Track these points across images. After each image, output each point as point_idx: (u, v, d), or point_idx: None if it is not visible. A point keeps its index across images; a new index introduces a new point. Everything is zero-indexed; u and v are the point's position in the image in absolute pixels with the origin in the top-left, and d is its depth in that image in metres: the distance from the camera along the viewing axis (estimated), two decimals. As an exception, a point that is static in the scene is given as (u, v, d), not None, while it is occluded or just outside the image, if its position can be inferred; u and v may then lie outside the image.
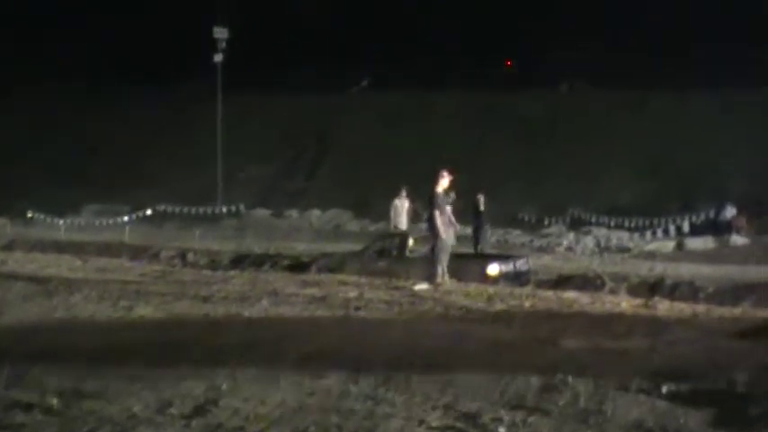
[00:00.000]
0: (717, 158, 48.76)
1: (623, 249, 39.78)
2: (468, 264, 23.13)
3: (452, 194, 28.03)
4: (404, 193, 29.36)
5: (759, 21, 49.78)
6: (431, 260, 20.84)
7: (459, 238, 23.81)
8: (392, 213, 29.25)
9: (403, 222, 28.74)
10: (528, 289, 19.75)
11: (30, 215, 53.70)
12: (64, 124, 67.19)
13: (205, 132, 60.30)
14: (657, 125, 53.59)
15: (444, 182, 21.04)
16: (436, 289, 18.99)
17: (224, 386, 8.63)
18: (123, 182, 59.46)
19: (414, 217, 29.47)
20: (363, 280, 21.15)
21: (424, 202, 23.32)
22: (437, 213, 20.56)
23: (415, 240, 24.94)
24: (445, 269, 20.54)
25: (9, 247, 31.92)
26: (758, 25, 49.59)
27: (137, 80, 66.07)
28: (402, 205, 29.13)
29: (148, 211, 53.12)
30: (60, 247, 31.56)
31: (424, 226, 25.55)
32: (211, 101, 60.15)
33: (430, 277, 20.22)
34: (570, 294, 17.46)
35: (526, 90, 57.64)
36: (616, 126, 54.42)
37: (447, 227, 21.13)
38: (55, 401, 7.84)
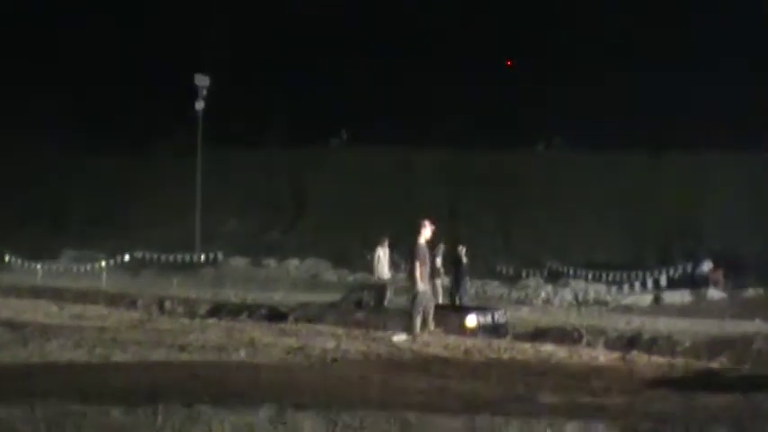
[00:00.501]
0: (693, 214, 49.15)
1: (601, 302, 39.70)
2: (446, 315, 23.11)
3: (441, 246, 28.26)
4: (386, 243, 29.44)
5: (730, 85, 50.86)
6: (409, 312, 20.80)
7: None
8: (375, 263, 29.28)
9: (386, 272, 28.79)
10: (505, 341, 19.77)
11: (6, 259, 53.45)
12: (42, 170, 67.13)
13: (183, 184, 60.26)
14: (634, 181, 54.02)
15: (426, 232, 21.10)
16: (414, 340, 18.97)
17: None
18: (101, 229, 59.45)
19: (394, 267, 29.52)
20: (341, 331, 21.14)
21: (403, 254, 23.38)
22: (417, 264, 20.59)
23: (395, 291, 24.96)
24: (429, 320, 20.55)
25: (-16, 292, 31.79)
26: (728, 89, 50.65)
27: (115, 130, 66.17)
28: (385, 254, 29.20)
29: (126, 257, 52.88)
30: (37, 293, 31.44)
31: (402, 276, 25.67)
32: (190, 154, 60.16)
33: (407, 328, 20.20)
34: (548, 347, 17.50)
35: (504, 148, 57.87)
36: (593, 182, 54.70)
37: (427, 279, 21.20)
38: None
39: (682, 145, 52.35)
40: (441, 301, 29.01)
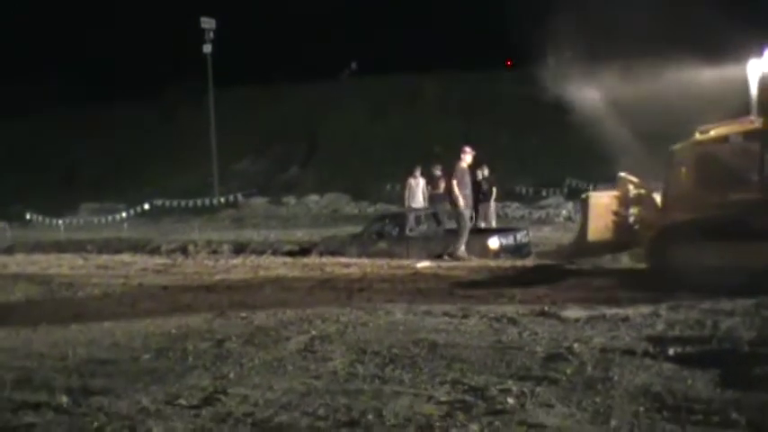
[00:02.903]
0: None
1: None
2: (469, 238, 23.13)
3: (485, 168, 28.33)
4: (418, 173, 29.46)
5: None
6: (456, 234, 21.36)
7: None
8: (407, 193, 29.33)
9: (418, 201, 28.80)
10: (529, 261, 19.76)
11: (28, 217, 53.57)
12: (56, 126, 67.15)
13: (195, 129, 60.18)
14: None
15: (468, 158, 21.28)
16: (463, 260, 19.32)
17: (231, 375, 8.65)
18: (118, 181, 59.56)
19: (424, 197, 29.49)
20: (365, 261, 21.19)
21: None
22: (454, 185, 20.82)
23: (418, 219, 24.95)
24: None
25: (10, 250, 31.82)
26: None
27: (126, 81, 66.06)
28: (417, 184, 29.23)
29: (146, 206, 52.93)
30: (61, 247, 31.47)
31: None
32: (200, 99, 60.03)
33: (452, 252, 20.47)
34: (571, 265, 17.45)
35: (514, 71, 57.38)
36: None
37: (471, 202, 21.46)
38: (64, 400, 7.85)
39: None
40: (493, 224, 29.08)
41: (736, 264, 13.57)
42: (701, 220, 14.45)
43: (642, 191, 16.34)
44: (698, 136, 15.41)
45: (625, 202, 16.56)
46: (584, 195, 17.76)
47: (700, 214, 14.53)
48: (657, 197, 15.97)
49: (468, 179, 21.58)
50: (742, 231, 13.72)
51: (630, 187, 16.58)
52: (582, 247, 17.43)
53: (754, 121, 14.71)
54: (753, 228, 13.68)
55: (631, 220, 16.36)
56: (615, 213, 16.55)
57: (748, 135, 14.68)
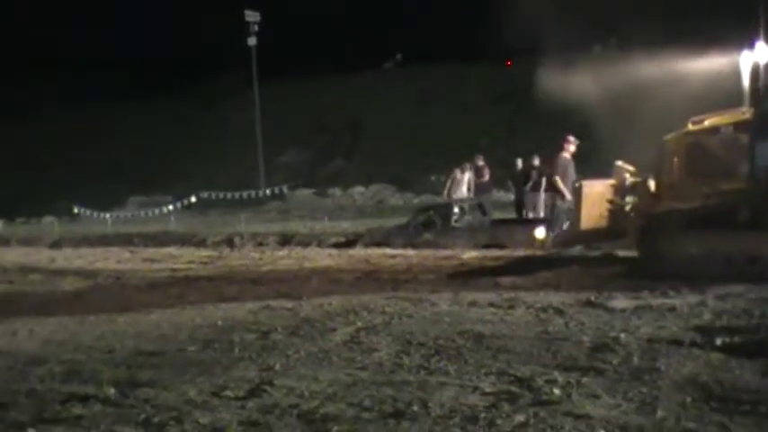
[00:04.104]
0: None
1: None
2: (515, 229, 23.09)
3: (535, 158, 28.30)
4: (468, 166, 29.41)
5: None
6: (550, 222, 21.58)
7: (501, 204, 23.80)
8: (449, 183, 29.29)
9: (461, 193, 28.75)
10: (575, 251, 19.68)
11: (75, 211, 53.96)
12: (101, 121, 67.61)
13: (240, 122, 60.38)
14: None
15: (571, 147, 21.14)
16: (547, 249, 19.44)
17: (277, 366, 8.67)
18: (164, 174, 59.90)
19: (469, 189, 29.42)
20: (411, 252, 21.20)
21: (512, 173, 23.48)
22: (557, 179, 20.78)
23: (464, 210, 24.91)
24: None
25: (57, 244, 32.11)
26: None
27: (170, 74, 66.32)
28: (462, 178, 29.18)
29: (192, 199, 53.15)
30: (107, 241, 31.71)
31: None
32: (244, 91, 60.23)
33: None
34: (619, 252, 17.37)
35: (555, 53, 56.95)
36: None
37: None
38: (111, 392, 7.89)
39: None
40: (541, 214, 29.01)
41: (723, 253, 13.65)
42: (690, 209, 14.52)
43: (638, 179, 16.44)
44: (690, 126, 15.49)
45: (621, 190, 16.66)
46: (577, 184, 17.85)
47: (690, 204, 14.59)
48: (653, 186, 16.06)
49: (572, 170, 21.31)
50: (730, 221, 13.78)
51: (627, 176, 16.67)
52: (575, 234, 17.54)
53: (746, 112, 14.78)
54: (740, 218, 13.75)
55: (628, 208, 16.45)
56: (611, 202, 16.65)
57: (739, 126, 14.76)
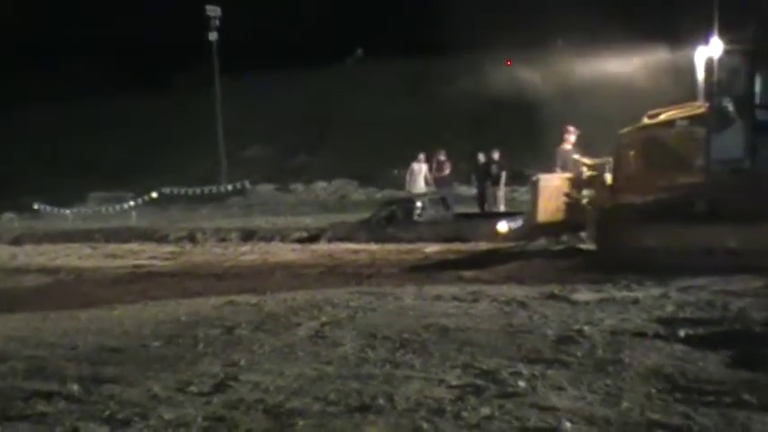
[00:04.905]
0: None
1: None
2: (477, 223, 23.15)
3: (495, 152, 28.32)
4: (422, 157, 29.58)
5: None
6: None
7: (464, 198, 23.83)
8: (408, 177, 29.44)
9: (419, 186, 28.85)
10: (538, 244, 19.74)
11: (36, 207, 53.58)
12: (61, 117, 67.24)
13: (204, 117, 60.19)
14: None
15: (571, 138, 21.07)
16: None
17: (242, 362, 8.64)
18: (127, 169, 59.60)
19: (427, 181, 29.54)
20: (374, 247, 21.23)
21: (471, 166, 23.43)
22: (558, 169, 20.75)
23: (427, 204, 24.95)
24: None
25: (18, 240, 31.86)
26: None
27: (130, 68, 66.05)
28: (420, 170, 29.31)
29: (153, 194, 52.89)
30: (69, 237, 31.48)
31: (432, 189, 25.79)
32: (206, 86, 60.10)
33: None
34: (581, 246, 17.45)
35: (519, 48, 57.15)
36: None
37: None
38: (75, 388, 7.85)
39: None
40: (501, 208, 28.99)
41: (678, 246, 13.82)
42: (645, 202, 14.69)
43: (595, 173, 16.58)
44: (646, 120, 15.67)
45: (578, 183, 16.78)
46: (534, 177, 17.95)
47: (646, 197, 14.75)
48: (609, 179, 16.22)
49: (569, 161, 21.25)
50: (686, 214, 13.96)
51: (584, 169, 16.80)
52: (532, 227, 17.65)
53: (701, 106, 14.97)
54: (697, 210, 13.93)
55: (584, 201, 16.58)
56: (567, 195, 16.76)
57: (694, 120, 14.96)
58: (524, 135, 50.22)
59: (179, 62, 65.10)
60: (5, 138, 66.30)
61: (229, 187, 56.53)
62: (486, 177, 30.00)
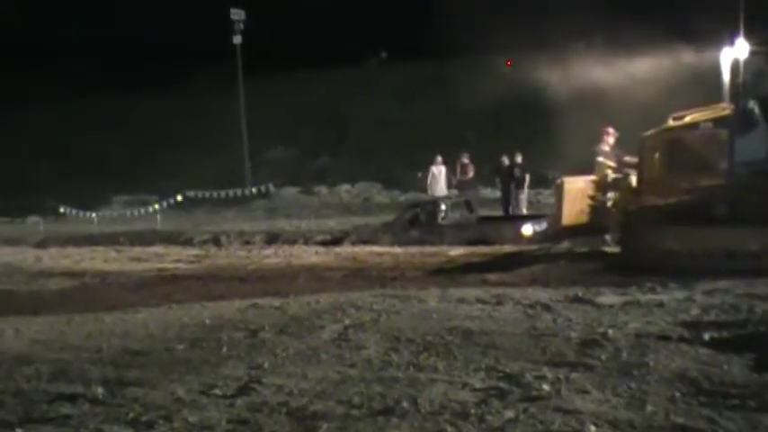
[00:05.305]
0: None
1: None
2: (501, 226, 23.13)
3: (518, 155, 28.28)
4: (440, 160, 29.64)
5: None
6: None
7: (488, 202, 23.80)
8: (429, 181, 29.48)
9: (441, 189, 28.88)
10: (562, 247, 19.69)
11: (61, 211, 53.72)
12: (84, 117, 67.37)
13: (226, 120, 60.25)
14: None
15: (610, 140, 20.94)
16: None
17: (266, 364, 8.66)
18: (150, 171, 59.64)
19: (448, 184, 29.59)
20: (397, 250, 21.21)
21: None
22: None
23: (450, 207, 24.92)
24: None
25: (43, 243, 31.97)
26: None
27: (154, 68, 66.14)
28: (439, 172, 29.35)
29: (178, 197, 52.93)
30: (94, 240, 31.58)
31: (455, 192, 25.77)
32: (228, 88, 60.15)
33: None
34: (605, 248, 17.40)
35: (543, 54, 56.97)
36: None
37: None
38: (99, 391, 7.87)
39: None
40: (524, 211, 28.96)
41: (702, 248, 13.76)
42: (670, 204, 14.62)
43: (620, 175, 16.53)
44: (670, 122, 15.60)
45: (602, 186, 16.71)
46: (558, 180, 17.89)
47: (670, 199, 14.69)
48: (634, 182, 16.16)
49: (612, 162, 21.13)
50: (710, 217, 13.88)
51: (609, 172, 16.74)
52: (556, 231, 17.60)
53: (726, 108, 14.89)
54: (720, 213, 13.85)
55: (609, 204, 16.52)
56: (592, 198, 16.71)
57: (719, 122, 14.88)
58: (546, 137, 50.18)
59: (200, 64, 65.09)
60: (28, 137, 66.51)
61: (254, 190, 56.55)
62: (509, 180, 30.00)
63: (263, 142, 59.76)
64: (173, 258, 23.07)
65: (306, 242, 26.01)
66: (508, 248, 20.03)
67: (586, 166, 19.73)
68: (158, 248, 26.94)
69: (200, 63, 64.94)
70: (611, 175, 16.87)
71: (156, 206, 49.85)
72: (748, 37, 14.33)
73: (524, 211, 29.13)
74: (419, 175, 34.50)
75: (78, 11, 70.81)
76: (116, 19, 69.69)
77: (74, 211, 52.43)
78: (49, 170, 62.34)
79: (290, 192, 56.96)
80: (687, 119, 15.60)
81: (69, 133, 66.39)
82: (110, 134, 65.78)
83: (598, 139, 20.61)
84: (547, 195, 43.30)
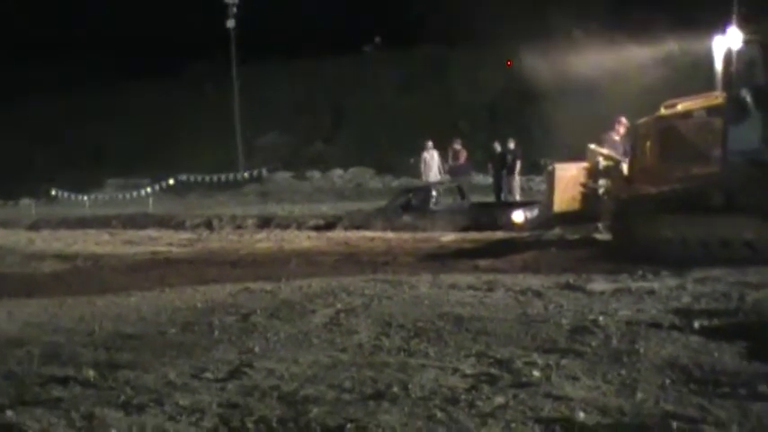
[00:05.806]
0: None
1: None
2: (493, 212, 23.13)
3: (511, 141, 28.30)
4: (430, 145, 29.64)
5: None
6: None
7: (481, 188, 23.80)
8: (422, 167, 29.49)
9: (434, 175, 28.90)
10: (554, 234, 19.71)
11: (53, 193, 53.66)
12: (78, 105, 67.26)
13: (221, 105, 60.16)
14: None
15: (621, 129, 20.92)
16: None
17: (257, 348, 8.67)
18: (144, 156, 59.60)
19: (440, 169, 29.62)
20: (390, 235, 21.23)
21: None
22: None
23: (442, 192, 24.93)
24: None
25: (35, 226, 31.95)
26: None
27: (149, 55, 65.97)
28: (431, 157, 29.36)
29: (171, 181, 52.86)
30: (86, 223, 31.56)
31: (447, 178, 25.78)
32: (224, 74, 60.07)
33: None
34: (597, 236, 17.41)
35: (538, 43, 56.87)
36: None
37: None
38: (91, 374, 7.88)
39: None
40: (517, 197, 28.98)
41: (694, 237, 13.78)
42: (662, 193, 14.63)
43: (611, 163, 16.54)
44: (663, 110, 15.61)
45: (594, 173, 16.72)
46: (549, 167, 17.90)
47: (662, 187, 14.71)
48: (626, 169, 16.17)
49: (620, 152, 21.07)
50: (702, 205, 13.91)
51: (600, 159, 16.75)
52: (547, 217, 17.62)
53: (718, 97, 14.90)
54: (713, 202, 13.87)
55: (601, 191, 16.53)
56: (583, 185, 16.72)
57: (711, 110, 14.90)
58: (540, 125, 50.20)
59: (194, 50, 64.89)
60: (23, 125, 66.45)
61: (246, 175, 56.48)
62: (501, 166, 30.04)
63: (258, 128, 59.74)
64: (165, 242, 23.06)
65: (298, 227, 26.01)
66: (500, 235, 20.04)
67: (583, 155, 19.77)
68: (151, 232, 26.92)
69: (195, 49, 64.70)
70: (602, 162, 16.85)
71: (149, 190, 49.79)
72: (741, 26, 14.33)
73: (517, 198, 29.15)
74: (411, 161, 34.52)
75: (74, 1, 70.61)
76: (111, 6, 69.41)
77: (66, 194, 52.35)
78: (45, 157, 62.44)
79: (283, 177, 56.93)
80: (679, 107, 15.61)
81: (67, 122, 66.34)
82: (107, 122, 65.68)
83: (609, 126, 20.64)
84: (538, 182, 43.37)
